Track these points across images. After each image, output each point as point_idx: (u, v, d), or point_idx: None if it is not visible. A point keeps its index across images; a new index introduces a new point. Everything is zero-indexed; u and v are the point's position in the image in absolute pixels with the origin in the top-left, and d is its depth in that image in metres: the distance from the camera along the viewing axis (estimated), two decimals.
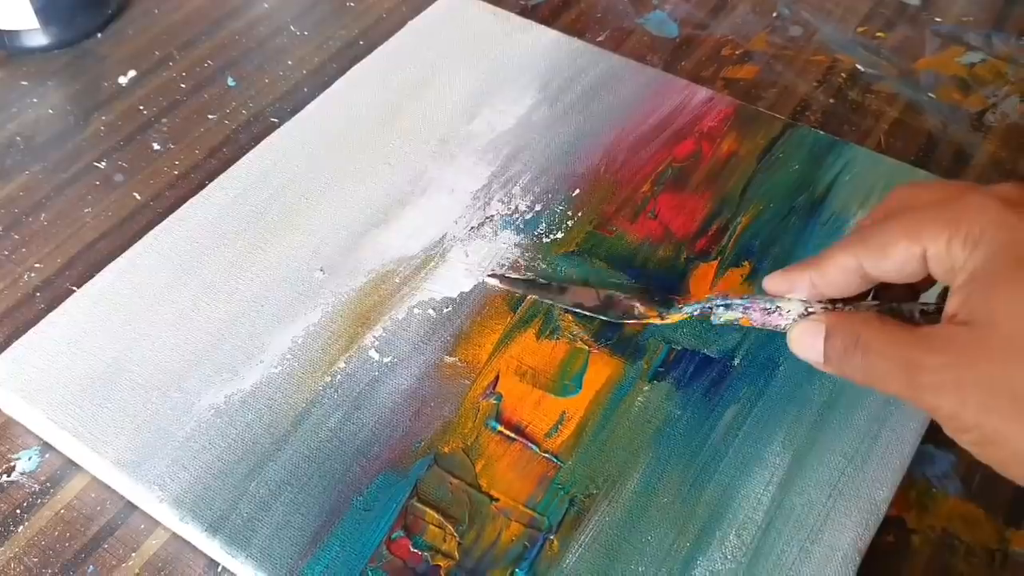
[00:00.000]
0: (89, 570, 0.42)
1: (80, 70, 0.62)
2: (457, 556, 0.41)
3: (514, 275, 0.45)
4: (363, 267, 0.50)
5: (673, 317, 0.39)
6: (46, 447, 0.45)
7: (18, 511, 0.43)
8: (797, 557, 0.41)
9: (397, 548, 0.41)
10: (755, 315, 0.36)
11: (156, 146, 0.58)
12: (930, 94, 0.62)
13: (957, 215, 0.30)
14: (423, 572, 0.40)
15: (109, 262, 0.50)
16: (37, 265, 0.52)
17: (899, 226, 0.31)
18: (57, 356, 0.46)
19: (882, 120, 0.60)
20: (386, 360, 0.46)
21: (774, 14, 0.68)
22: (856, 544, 0.41)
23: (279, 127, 0.57)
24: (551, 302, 0.47)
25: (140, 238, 0.51)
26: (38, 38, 0.63)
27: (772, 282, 0.35)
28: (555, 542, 0.41)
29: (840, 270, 0.33)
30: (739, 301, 0.37)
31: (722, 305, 0.37)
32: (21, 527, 0.43)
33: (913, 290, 0.33)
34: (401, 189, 0.54)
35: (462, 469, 0.43)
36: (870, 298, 0.35)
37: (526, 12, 0.66)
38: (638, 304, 0.40)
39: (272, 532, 0.41)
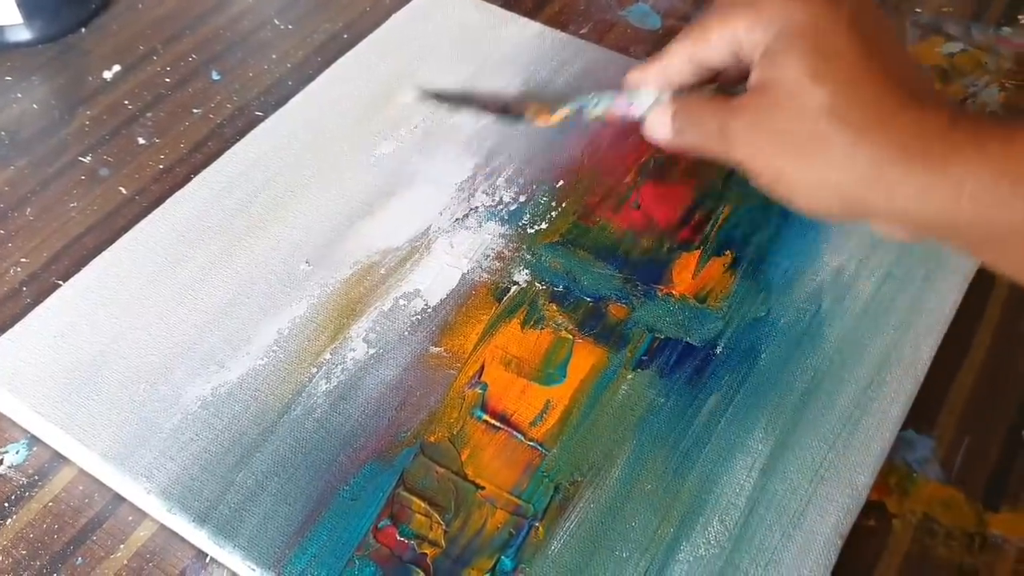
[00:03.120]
0: (78, 562, 0.42)
1: (64, 65, 0.62)
2: (443, 544, 0.41)
3: (433, 90, 0.47)
4: (348, 259, 0.50)
5: (557, 116, 0.42)
6: (34, 440, 0.45)
7: (6, 504, 0.43)
8: (779, 542, 0.41)
9: (384, 537, 0.41)
10: (619, 105, 0.40)
11: (141, 140, 0.58)
12: None
13: (758, 3, 0.36)
14: (410, 560, 0.40)
15: (95, 256, 0.50)
16: (23, 260, 0.52)
17: (716, 16, 0.37)
18: (44, 350, 0.46)
19: None
20: (372, 351, 0.47)
21: None
22: (838, 528, 0.42)
23: (264, 121, 0.57)
24: (463, 107, 0.48)
25: (125, 232, 0.51)
26: (22, 33, 0.63)
27: (630, 77, 0.40)
28: (540, 529, 0.41)
29: (678, 60, 0.39)
30: (605, 96, 0.41)
31: (593, 101, 0.41)
32: (9, 520, 0.43)
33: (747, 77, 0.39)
34: (386, 181, 0.54)
35: (448, 458, 0.43)
36: (714, 87, 0.40)
37: (510, 4, 0.66)
38: (532, 104, 0.43)
39: (259, 522, 0.41)
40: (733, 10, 0.37)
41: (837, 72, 0.34)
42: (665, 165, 0.55)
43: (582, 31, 0.65)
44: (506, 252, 0.51)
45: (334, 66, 0.60)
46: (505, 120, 0.46)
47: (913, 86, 0.34)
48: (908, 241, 0.37)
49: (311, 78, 0.60)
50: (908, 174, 0.33)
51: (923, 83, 0.35)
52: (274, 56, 0.63)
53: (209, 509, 0.41)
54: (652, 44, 0.65)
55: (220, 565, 0.42)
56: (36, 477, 0.44)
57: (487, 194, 0.53)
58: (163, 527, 0.43)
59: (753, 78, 0.36)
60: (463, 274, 0.50)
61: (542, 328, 0.48)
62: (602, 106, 0.41)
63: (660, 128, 0.40)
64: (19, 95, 0.61)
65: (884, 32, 0.36)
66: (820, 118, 0.34)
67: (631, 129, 0.56)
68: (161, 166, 0.57)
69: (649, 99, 0.40)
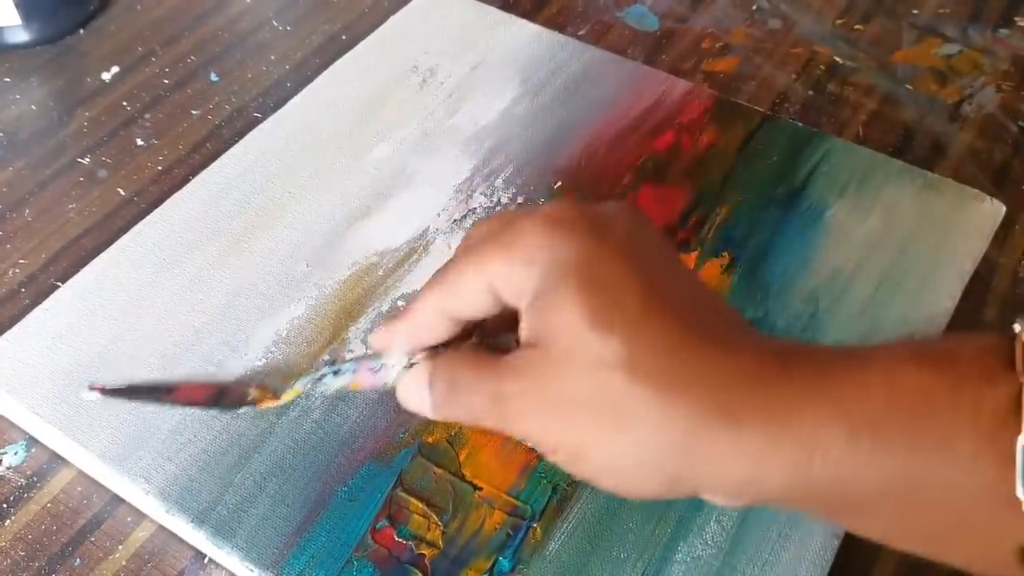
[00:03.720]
0: (76, 563, 0.42)
1: (63, 66, 0.63)
2: (441, 545, 0.41)
3: (115, 385, 0.41)
4: (347, 260, 0.50)
5: (287, 396, 0.37)
6: (32, 441, 0.45)
7: (4, 505, 0.43)
8: (776, 543, 0.41)
9: (382, 537, 0.41)
10: (363, 377, 0.35)
11: (139, 141, 0.58)
12: (907, 86, 0.63)
13: (510, 241, 0.30)
14: (408, 561, 0.40)
15: (93, 257, 0.50)
16: (21, 261, 0.52)
17: (465, 262, 0.31)
18: (42, 351, 0.46)
19: (860, 112, 0.61)
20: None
21: (753, 7, 0.68)
22: (835, 530, 0.42)
23: (262, 122, 0.57)
24: (163, 404, 0.43)
25: (124, 233, 0.51)
26: (20, 34, 0.63)
27: (375, 339, 0.34)
28: (538, 530, 0.42)
29: (428, 316, 0.32)
30: (347, 366, 0.35)
31: (331, 373, 0.35)
32: (8, 521, 0.43)
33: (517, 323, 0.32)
34: (384, 182, 0.54)
35: (446, 459, 0.43)
36: (474, 338, 0.34)
37: (507, 6, 0.66)
38: (252, 389, 0.38)
39: (258, 523, 0.41)
40: (484, 251, 0.31)
41: (621, 313, 0.28)
42: (662, 166, 0.55)
43: (580, 32, 0.66)
44: None
45: (332, 68, 0.60)
46: (221, 410, 0.41)
47: (715, 321, 0.29)
48: (746, 507, 0.31)
49: (310, 79, 0.60)
50: (739, 437, 0.27)
51: (724, 315, 0.31)
52: (273, 57, 0.63)
53: (207, 510, 0.41)
54: (650, 45, 0.65)
55: (218, 566, 0.42)
56: (34, 478, 0.44)
57: (485, 195, 0.53)
58: (161, 528, 0.43)
59: (523, 330, 0.30)
60: None
61: None
62: (343, 377, 0.35)
63: (416, 400, 0.33)
64: (17, 96, 0.61)
65: (666, 259, 0.31)
66: (612, 376, 0.28)
67: (629, 131, 0.57)
68: (160, 167, 0.57)
69: (399, 364, 0.33)
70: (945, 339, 0.28)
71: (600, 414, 0.28)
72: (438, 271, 0.32)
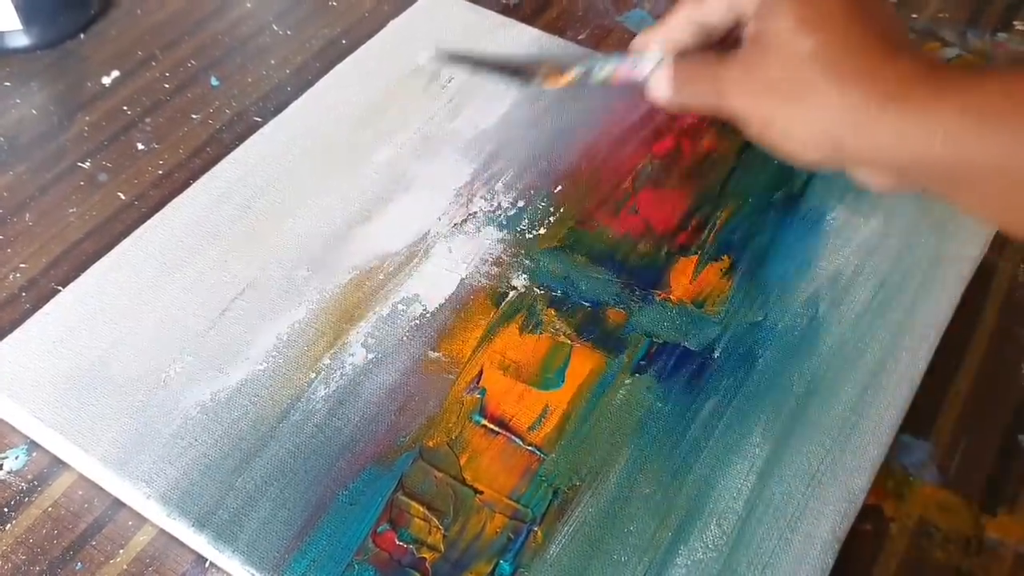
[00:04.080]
0: (77, 567, 0.42)
1: (63, 70, 0.63)
2: (442, 548, 0.41)
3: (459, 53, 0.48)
4: (347, 264, 0.50)
5: (567, 78, 0.43)
6: (33, 445, 0.45)
7: (5, 509, 0.44)
8: (776, 545, 0.41)
9: (383, 541, 0.41)
10: (624, 68, 0.42)
11: (140, 146, 0.58)
12: None
13: None
14: (409, 564, 0.40)
15: (94, 261, 0.50)
16: (22, 265, 0.52)
17: None
18: (43, 355, 0.46)
19: None
20: (371, 356, 0.47)
21: None
22: (835, 532, 0.42)
23: (263, 126, 0.57)
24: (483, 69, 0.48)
25: (124, 237, 0.51)
26: (21, 39, 0.63)
27: (635, 42, 0.42)
28: (539, 533, 0.42)
29: (679, 23, 0.40)
30: (612, 59, 0.42)
31: (599, 63, 0.42)
32: (9, 525, 0.43)
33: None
34: (384, 186, 0.54)
35: (447, 463, 0.43)
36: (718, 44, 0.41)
37: (507, 11, 0.67)
38: (543, 67, 0.44)
39: (259, 527, 0.41)
40: None
41: (825, 22, 0.36)
42: (663, 170, 0.55)
43: (579, 37, 0.66)
44: (504, 257, 0.51)
45: (333, 72, 0.60)
46: (518, 81, 0.46)
47: (895, 38, 0.36)
48: (889, 190, 0.38)
49: (310, 84, 0.60)
50: (887, 118, 0.34)
51: (905, 36, 0.37)
52: (273, 62, 0.64)
53: (208, 514, 0.41)
54: None
55: (220, 570, 0.42)
56: (35, 482, 0.44)
57: (485, 199, 0.54)
58: (163, 532, 0.43)
59: (747, 31, 0.38)
60: (462, 279, 0.50)
61: (540, 333, 0.48)
62: (608, 68, 0.42)
63: (660, 88, 0.41)
64: (18, 101, 0.61)
65: None
66: (807, 65, 0.35)
67: (629, 135, 0.57)
68: (160, 172, 0.57)
69: (652, 61, 0.41)
70: None
71: (793, 92, 0.36)
72: None
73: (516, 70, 0.45)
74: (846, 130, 0.35)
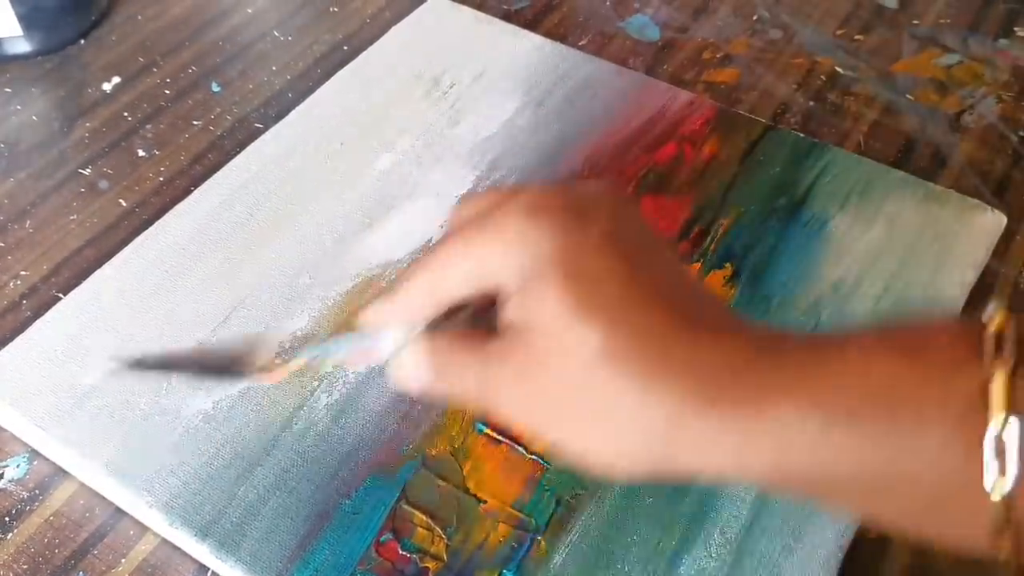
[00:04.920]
0: None
1: (64, 77, 0.63)
2: (445, 558, 0.41)
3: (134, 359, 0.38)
4: (349, 272, 0.50)
5: (287, 369, 0.35)
6: (34, 454, 0.45)
7: (7, 518, 0.43)
8: (780, 554, 0.41)
9: (386, 551, 0.41)
10: (359, 351, 0.35)
11: (141, 152, 0.58)
12: (908, 96, 0.63)
13: (494, 228, 0.30)
14: (412, 574, 0.40)
15: (95, 269, 0.50)
16: (23, 273, 0.52)
17: (451, 244, 0.31)
18: (44, 363, 0.46)
19: (861, 122, 0.61)
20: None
21: (754, 17, 0.68)
22: (839, 541, 0.42)
23: (264, 133, 0.57)
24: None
25: (126, 245, 0.51)
26: (21, 45, 0.63)
27: (365, 317, 0.34)
28: (542, 543, 0.41)
29: (418, 296, 0.32)
30: (344, 340, 0.35)
31: (331, 346, 0.35)
32: (10, 534, 0.43)
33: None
34: (386, 194, 0.54)
35: (450, 472, 0.43)
36: (467, 310, 0.33)
37: (509, 16, 0.67)
38: (255, 359, 0.37)
39: (261, 536, 0.41)
40: (473, 234, 0.31)
41: (602, 303, 0.29)
42: (664, 178, 0.55)
43: (581, 43, 0.66)
44: None
45: (334, 78, 0.60)
46: (226, 380, 0.41)
47: (705, 314, 0.30)
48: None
49: (311, 90, 0.60)
50: (719, 425, 0.27)
51: (716, 308, 0.31)
52: (274, 68, 0.63)
53: (211, 523, 0.41)
54: (651, 56, 0.65)
55: None
56: (37, 491, 0.44)
57: None
58: (164, 541, 0.43)
59: (509, 314, 0.30)
60: None
61: None
62: (340, 353, 0.35)
63: (410, 375, 0.33)
64: (18, 107, 0.61)
65: (650, 248, 0.31)
66: (593, 364, 0.28)
67: (631, 142, 0.57)
68: (161, 178, 0.57)
69: (392, 341, 0.33)
70: (917, 326, 0.28)
71: (581, 404, 0.29)
72: (426, 251, 0.33)
73: (221, 365, 0.37)
74: (666, 445, 0.28)
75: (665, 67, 0.64)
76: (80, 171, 0.57)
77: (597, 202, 0.31)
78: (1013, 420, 0.25)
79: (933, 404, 0.26)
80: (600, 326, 0.28)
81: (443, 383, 0.32)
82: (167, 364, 0.40)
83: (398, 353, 0.33)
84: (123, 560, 0.42)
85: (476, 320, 0.33)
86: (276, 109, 0.60)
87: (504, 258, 0.30)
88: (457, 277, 0.31)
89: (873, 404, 0.27)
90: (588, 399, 0.29)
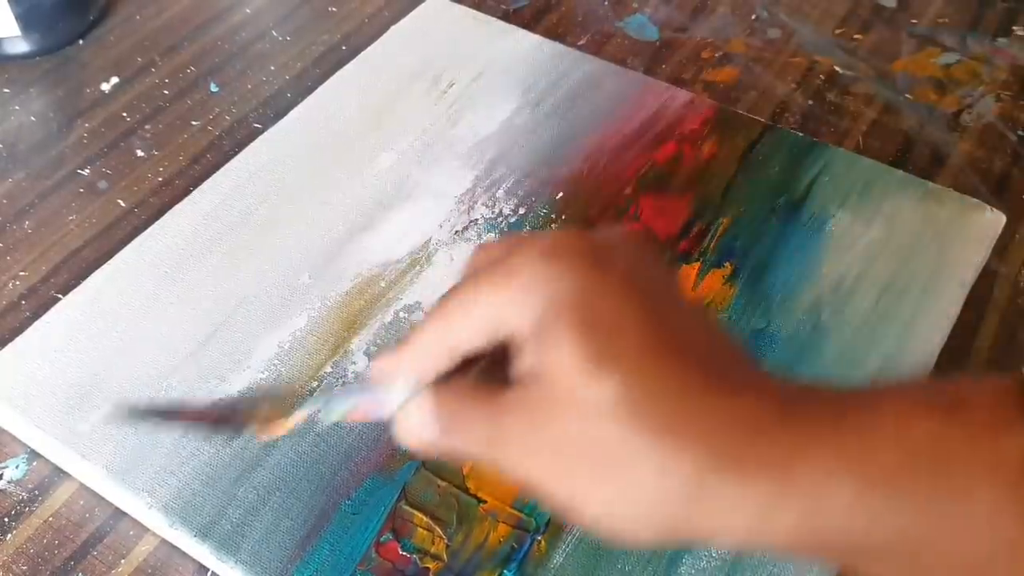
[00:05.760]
0: None
1: (62, 77, 0.62)
2: (446, 558, 0.41)
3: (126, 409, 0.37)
4: (349, 271, 0.50)
5: (290, 423, 0.35)
6: (34, 455, 0.45)
7: (6, 519, 0.43)
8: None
9: (386, 551, 0.41)
10: (366, 404, 0.33)
11: (140, 152, 0.58)
12: (907, 95, 0.63)
13: (509, 273, 0.29)
14: (412, 574, 0.40)
15: (94, 269, 0.50)
16: (22, 273, 0.52)
17: (465, 293, 0.30)
18: (44, 363, 0.46)
19: (860, 121, 0.61)
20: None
21: (753, 17, 0.68)
22: None
23: (263, 133, 0.57)
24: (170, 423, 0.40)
25: (125, 245, 0.51)
26: (20, 45, 0.63)
27: (376, 369, 0.32)
28: (543, 543, 0.41)
29: (431, 348, 0.31)
30: (351, 393, 0.34)
31: (337, 399, 0.34)
32: (10, 535, 0.43)
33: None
34: (386, 193, 0.54)
35: (450, 472, 0.43)
36: (481, 364, 0.32)
37: (508, 16, 0.67)
38: (260, 410, 0.36)
39: (261, 536, 0.41)
40: (488, 283, 0.29)
41: (620, 353, 0.27)
42: (664, 177, 0.55)
43: (580, 42, 0.66)
44: None
45: (333, 78, 0.60)
46: (225, 433, 0.40)
47: (718, 361, 0.28)
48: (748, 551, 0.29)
49: (310, 90, 0.60)
50: (743, 487, 0.26)
51: (728, 353, 0.29)
52: (273, 68, 0.63)
53: (211, 524, 0.41)
54: (650, 55, 0.65)
55: None
56: (36, 492, 0.44)
57: (487, 206, 0.53)
58: (164, 542, 0.43)
59: (522, 362, 0.29)
60: None
61: None
62: (346, 407, 0.34)
63: (419, 430, 0.31)
64: (17, 107, 0.61)
65: (670, 294, 0.30)
66: (609, 419, 0.26)
67: (630, 141, 0.57)
68: (160, 179, 0.57)
69: (401, 395, 0.32)
70: (954, 382, 0.27)
71: (596, 463, 0.27)
72: (440, 300, 0.31)
73: (221, 419, 0.36)
74: (684, 508, 0.26)
75: (664, 67, 0.64)
76: (79, 171, 0.57)
77: (615, 247, 0.30)
78: None
79: (982, 467, 0.25)
80: (616, 380, 0.27)
81: (450, 438, 0.31)
82: (168, 415, 0.39)
83: (407, 407, 0.32)
84: (123, 561, 0.42)
85: (488, 375, 0.32)
86: (275, 109, 0.60)
87: (518, 303, 0.29)
88: (470, 327, 0.30)
89: (913, 466, 0.25)
90: (601, 455, 0.27)
